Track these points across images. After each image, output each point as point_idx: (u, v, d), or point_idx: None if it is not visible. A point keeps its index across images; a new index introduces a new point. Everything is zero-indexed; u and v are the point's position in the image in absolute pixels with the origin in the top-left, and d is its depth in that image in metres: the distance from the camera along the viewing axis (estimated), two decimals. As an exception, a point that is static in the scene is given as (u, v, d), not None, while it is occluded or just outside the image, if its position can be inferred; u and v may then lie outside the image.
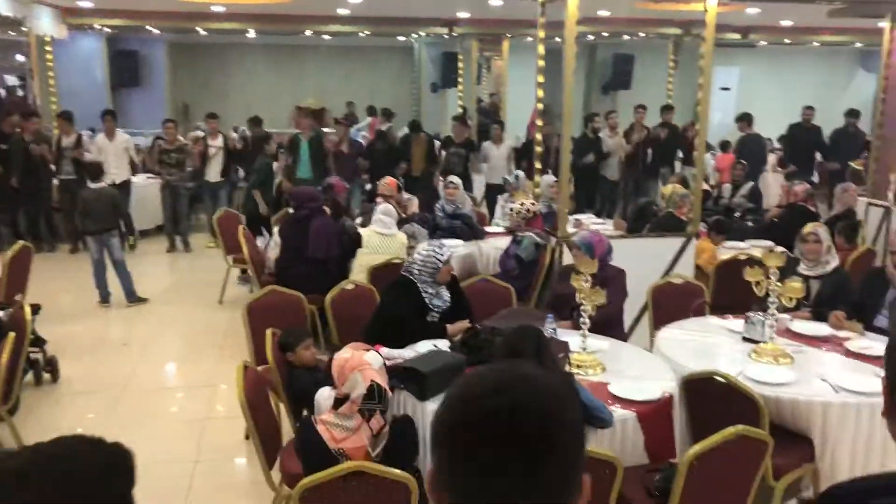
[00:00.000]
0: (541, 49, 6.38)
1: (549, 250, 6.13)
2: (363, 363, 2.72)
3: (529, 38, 12.61)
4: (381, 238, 6.10)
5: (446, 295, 4.58)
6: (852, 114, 11.27)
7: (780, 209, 7.39)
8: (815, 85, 16.39)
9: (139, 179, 10.51)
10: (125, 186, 9.85)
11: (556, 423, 1.03)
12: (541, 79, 6.42)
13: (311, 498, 2.69)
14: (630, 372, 3.90)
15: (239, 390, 3.41)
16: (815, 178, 10.98)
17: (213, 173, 10.11)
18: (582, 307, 3.95)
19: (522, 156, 10.27)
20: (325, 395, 3.04)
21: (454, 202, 7.38)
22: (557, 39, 12.03)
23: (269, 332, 4.06)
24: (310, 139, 9.95)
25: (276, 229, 6.90)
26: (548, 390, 1.05)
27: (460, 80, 12.83)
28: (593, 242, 4.87)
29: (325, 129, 11.59)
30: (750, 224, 7.32)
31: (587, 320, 3.96)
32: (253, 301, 4.87)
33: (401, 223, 6.62)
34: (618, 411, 3.40)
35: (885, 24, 7.66)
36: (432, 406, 2.94)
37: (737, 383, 3.52)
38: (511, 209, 6.30)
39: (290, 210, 6.96)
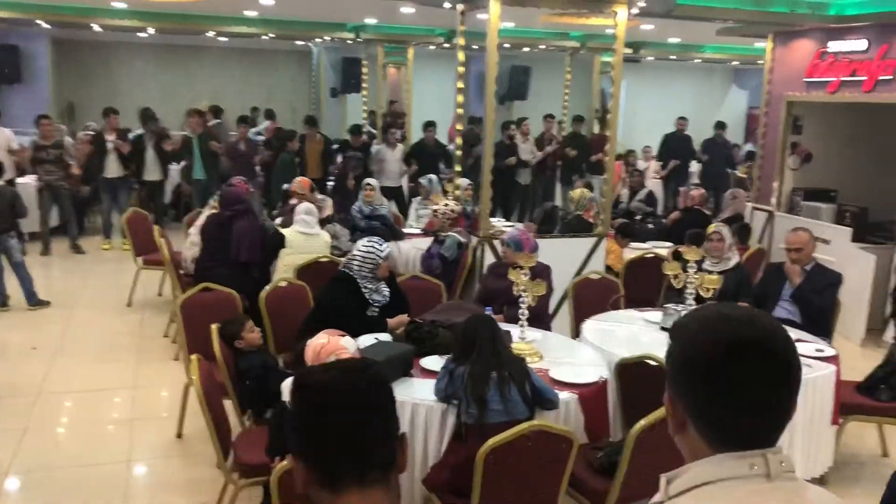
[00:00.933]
0: (461, 56, 6.61)
1: (472, 249, 6.35)
2: (340, 347, 2.83)
3: (432, 47, 12.91)
4: (305, 238, 6.14)
5: (385, 290, 4.71)
6: (719, 125, 12.33)
7: (679, 212, 7.90)
8: (693, 99, 17.45)
9: (24, 179, 10.01)
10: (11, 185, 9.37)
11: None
12: (461, 85, 6.64)
13: (290, 481, 2.76)
14: (565, 359, 4.15)
15: (196, 382, 3.43)
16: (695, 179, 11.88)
17: (112, 169, 9.74)
18: (521, 299, 4.17)
19: (412, 159, 10.49)
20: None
21: (371, 203, 7.50)
22: (474, 48, 12.36)
23: (214, 327, 4.06)
24: (199, 136, 9.90)
25: (192, 228, 6.81)
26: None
27: (364, 85, 12.92)
28: (522, 240, 5.13)
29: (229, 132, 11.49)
30: (650, 226, 7.81)
31: (526, 311, 4.19)
32: (186, 298, 4.83)
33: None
34: (562, 394, 3.63)
35: (766, 44, 8.35)
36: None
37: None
38: (436, 211, 6.48)
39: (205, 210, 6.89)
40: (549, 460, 3.12)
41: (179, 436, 4.81)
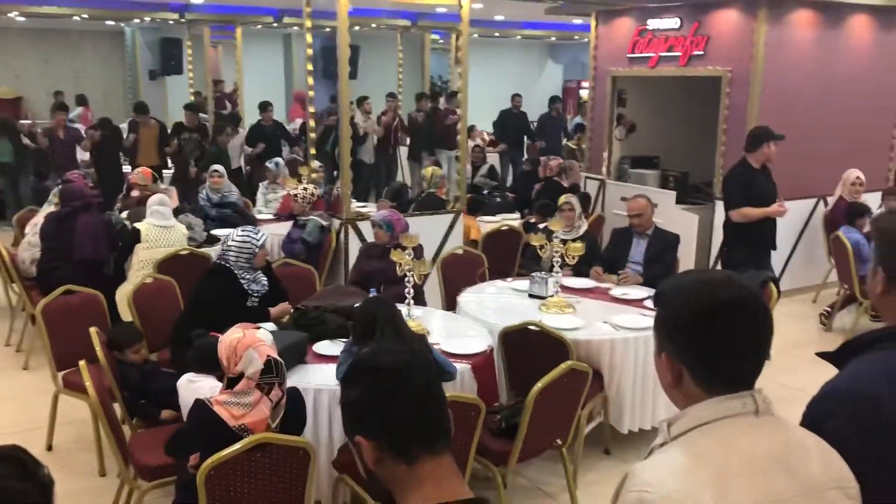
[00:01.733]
0: (309, 38, 6.56)
1: (335, 232, 6.38)
2: (257, 340, 2.82)
3: (259, 26, 12.60)
4: (160, 230, 5.89)
5: (263, 279, 4.66)
6: (555, 100, 12.94)
7: (540, 183, 8.30)
8: (514, 74, 18.18)
9: None
10: None
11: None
12: (310, 67, 6.60)
13: (218, 476, 2.76)
14: (451, 332, 4.34)
15: (89, 385, 3.29)
16: (525, 156, 12.48)
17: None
18: (407, 278, 4.30)
19: (254, 142, 10.28)
20: (207, 388, 3.07)
21: (220, 191, 7.30)
22: (296, 28, 12.08)
23: (93, 330, 3.87)
24: None
25: (28, 228, 6.34)
26: None
27: (189, 67, 12.39)
28: (392, 220, 5.24)
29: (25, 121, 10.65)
30: (498, 200, 8.17)
31: (412, 290, 4.33)
32: (47, 304, 4.53)
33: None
34: (457, 365, 3.81)
35: (591, 22, 8.91)
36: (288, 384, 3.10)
37: (549, 329, 4.11)
38: (296, 195, 6.42)
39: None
40: (460, 428, 3.29)
41: (50, 448, 4.54)
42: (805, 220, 7.80)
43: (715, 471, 1.31)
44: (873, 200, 7.57)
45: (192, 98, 12.15)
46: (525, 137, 12.58)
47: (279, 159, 8.31)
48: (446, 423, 1.39)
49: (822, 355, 1.68)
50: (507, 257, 6.69)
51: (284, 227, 6.70)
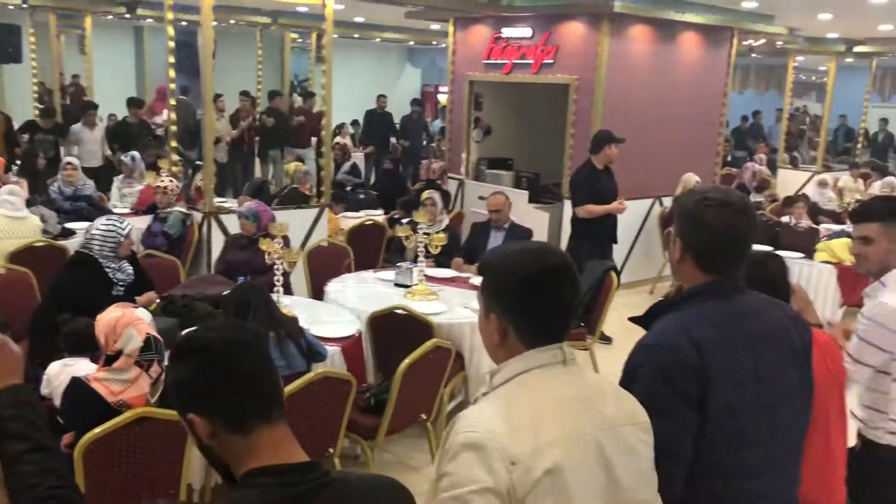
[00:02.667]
0: (171, 31, 6.50)
1: (197, 225, 6.37)
2: (136, 318, 2.89)
3: (111, 17, 12.15)
4: (12, 221, 5.68)
5: (129, 269, 4.65)
6: (415, 102, 13.32)
7: (422, 182, 8.55)
8: (373, 76, 18.43)
9: None
10: None
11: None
12: (171, 59, 6.55)
13: (97, 451, 2.81)
14: (321, 318, 4.51)
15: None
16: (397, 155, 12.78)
17: None
18: (276, 267, 4.43)
19: (116, 137, 9.97)
20: (84, 370, 3.08)
21: (73, 183, 7.08)
22: (150, 21, 11.73)
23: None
24: None
25: None
26: None
27: (32, 56, 11.73)
28: (259, 211, 5.34)
29: None
30: (362, 196, 8.37)
31: (281, 277, 4.47)
32: None
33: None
34: (328, 348, 3.99)
35: (448, 28, 9.28)
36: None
37: (414, 313, 4.37)
38: (165, 188, 6.34)
39: None
40: (333, 402, 3.49)
41: None
42: (643, 218, 8.51)
43: (531, 411, 1.52)
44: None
45: (35, 88, 11.56)
46: (391, 137, 12.89)
47: (135, 153, 8.11)
48: (278, 393, 1.44)
49: (633, 319, 2.00)
50: (372, 251, 6.91)
51: (142, 222, 6.60)
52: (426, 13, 9.13)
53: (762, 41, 10.54)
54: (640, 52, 8.12)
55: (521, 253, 1.66)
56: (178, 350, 1.44)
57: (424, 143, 13.56)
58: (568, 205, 8.05)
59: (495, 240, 6.08)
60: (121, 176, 8.03)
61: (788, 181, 11.95)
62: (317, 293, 5.57)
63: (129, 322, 2.87)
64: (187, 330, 4.04)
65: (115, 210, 7.33)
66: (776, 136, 15.65)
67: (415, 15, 9.30)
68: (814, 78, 19.14)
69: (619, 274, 5.65)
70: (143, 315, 2.94)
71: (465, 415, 1.54)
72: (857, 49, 11.54)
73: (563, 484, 1.47)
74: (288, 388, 3.27)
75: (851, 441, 2.68)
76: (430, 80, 20.36)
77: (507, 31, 8.60)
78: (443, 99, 19.43)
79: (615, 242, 6.47)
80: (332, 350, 4.03)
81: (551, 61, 8.17)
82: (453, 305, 4.90)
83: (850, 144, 14.37)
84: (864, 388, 2.75)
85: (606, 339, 6.34)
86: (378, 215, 7.87)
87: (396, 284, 5.30)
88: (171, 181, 6.36)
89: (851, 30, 10.52)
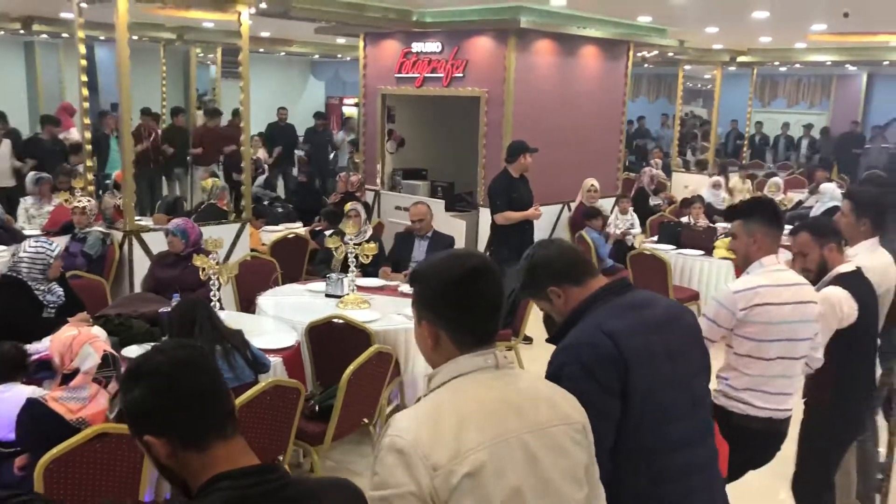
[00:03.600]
0: (82, 49, 6.42)
1: (117, 244, 6.30)
2: (92, 336, 2.94)
3: (1, 32, 11.70)
4: (-79, 248, 5.50)
5: (59, 290, 4.59)
6: (319, 115, 13.46)
7: (340, 194, 8.60)
8: (277, 89, 18.32)
9: None
10: None
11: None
12: (84, 78, 6.47)
13: (58, 469, 2.85)
14: (258, 330, 4.59)
15: None
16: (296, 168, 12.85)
17: None
18: (212, 282, 4.50)
19: (27, 154, 9.63)
20: (27, 393, 3.09)
21: (-22, 207, 6.87)
22: (44, 36, 11.38)
23: None
24: None
25: None
26: None
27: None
28: (187, 228, 5.36)
29: None
30: (280, 210, 8.41)
31: (217, 293, 4.53)
32: None
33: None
34: (271, 359, 4.09)
35: (359, 42, 9.45)
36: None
37: (352, 321, 4.52)
38: (84, 208, 6.23)
39: None
40: (284, 409, 3.60)
41: None
42: (553, 222, 8.89)
43: (458, 416, 1.56)
44: (608, 204, 8.85)
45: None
46: (294, 150, 12.94)
47: (44, 174, 7.91)
48: (232, 409, 1.48)
49: (550, 340, 2.21)
50: (295, 263, 6.98)
51: (58, 243, 6.46)
52: (337, 28, 9.26)
53: (655, 52, 11.17)
54: (545, 65, 8.51)
55: (446, 259, 1.75)
56: (129, 375, 1.45)
57: (331, 155, 13.65)
58: (484, 212, 8.38)
59: (419, 248, 6.29)
60: (29, 198, 7.80)
61: (683, 184, 12.66)
62: (245, 307, 5.63)
63: (85, 340, 2.92)
64: (129, 350, 4.10)
65: (24, 232, 7.15)
66: (664, 140, 16.58)
67: (325, 31, 9.41)
68: (700, 85, 20.27)
69: (539, 276, 5.93)
70: (99, 332, 3.00)
71: (397, 419, 1.60)
72: (740, 59, 12.37)
73: (482, 484, 1.53)
74: (240, 399, 3.37)
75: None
76: (335, 92, 20.40)
77: (417, 46, 8.84)
78: (348, 111, 19.56)
79: (532, 246, 6.77)
80: (274, 361, 4.13)
81: (461, 75, 8.46)
82: (386, 313, 5.07)
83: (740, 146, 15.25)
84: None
85: (527, 340, 6.63)
86: (298, 228, 7.94)
87: (328, 295, 5.42)
88: (88, 201, 6.27)
89: (736, 42, 11.30)
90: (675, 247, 7.51)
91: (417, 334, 1.75)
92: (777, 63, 13.26)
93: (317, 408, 4.09)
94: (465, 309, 1.67)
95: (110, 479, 3.00)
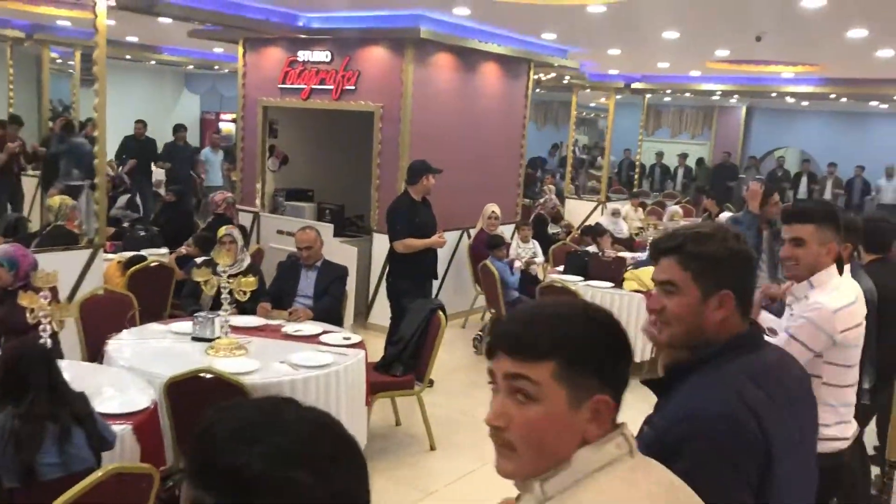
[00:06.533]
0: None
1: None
2: None
3: None
4: None
5: None
6: (179, 128, 12.42)
7: (212, 219, 7.62)
8: (147, 102, 16.96)
9: None
10: None
11: None
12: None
13: None
14: (104, 389, 3.65)
15: None
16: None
17: None
18: (43, 327, 3.53)
19: None
20: None
21: None
22: None
23: None
24: None
25: None
26: None
27: None
28: (17, 256, 4.33)
29: None
30: (143, 234, 7.33)
31: (49, 340, 3.56)
32: None
33: None
34: (115, 427, 3.18)
35: (238, 49, 8.54)
36: None
37: (223, 374, 3.65)
38: None
39: None
40: (131, 502, 2.70)
41: None
42: (453, 250, 8.23)
43: None
44: (508, 231, 8.29)
45: None
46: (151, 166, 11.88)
47: None
48: None
49: (647, 383, 1.64)
50: (157, 298, 5.99)
51: None
52: (212, 32, 8.31)
53: (552, 75, 10.81)
54: (445, 80, 7.89)
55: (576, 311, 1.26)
56: None
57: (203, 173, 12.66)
58: (378, 238, 7.63)
59: (306, 280, 5.46)
60: None
61: (575, 211, 12.37)
62: (94, 355, 4.62)
63: None
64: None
65: None
66: (552, 167, 16.51)
67: (200, 34, 8.44)
68: (584, 113, 20.37)
69: (446, 312, 5.24)
70: None
71: None
72: (634, 85, 12.23)
73: None
74: (70, 493, 2.46)
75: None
76: (211, 107, 19.18)
77: (303, 55, 8.03)
78: (225, 127, 18.36)
79: (435, 278, 6.09)
80: (122, 429, 3.22)
81: (353, 87, 7.70)
82: (267, 360, 4.22)
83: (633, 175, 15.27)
84: None
85: (429, 383, 5.91)
86: (163, 255, 6.92)
87: (195, 338, 4.51)
88: None
89: (635, 66, 11.10)
90: (582, 278, 7.02)
91: (558, 422, 1.17)
92: (669, 91, 13.24)
93: (177, 491, 3.20)
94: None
95: None
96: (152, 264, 6.07)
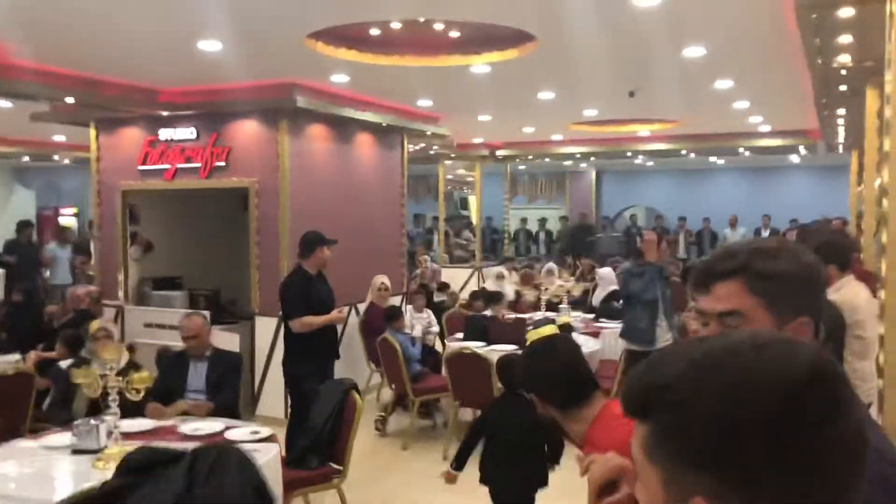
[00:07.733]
0: None
1: None
2: None
3: None
4: None
5: None
6: (25, 225, 11.75)
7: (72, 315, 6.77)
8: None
9: None
10: None
11: None
12: None
13: None
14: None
15: None
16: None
17: None
18: None
19: None
20: None
21: None
22: None
23: None
24: None
25: None
26: None
27: None
28: None
29: None
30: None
31: None
32: None
33: None
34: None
35: (90, 132, 7.86)
36: None
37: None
38: None
39: None
40: None
41: None
42: (342, 326, 7.77)
43: None
44: (396, 303, 7.95)
45: None
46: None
47: None
48: None
49: None
50: (15, 410, 5.16)
51: None
52: (57, 116, 7.62)
53: (420, 146, 10.76)
54: (321, 151, 7.60)
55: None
56: None
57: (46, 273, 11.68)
58: (261, 321, 7.09)
59: (196, 373, 4.85)
60: None
61: (453, 279, 12.25)
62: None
63: None
64: None
65: None
66: (417, 238, 16.51)
67: (42, 118, 7.72)
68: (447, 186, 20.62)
69: (360, 393, 4.80)
70: None
71: None
72: (499, 153, 12.43)
73: None
74: None
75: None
76: (48, 202, 17.75)
77: (164, 133, 7.49)
78: (66, 222, 17.00)
79: (337, 357, 5.64)
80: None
81: (224, 164, 7.23)
82: (169, 467, 3.62)
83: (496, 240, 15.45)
84: None
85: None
86: (14, 361, 6.06)
87: (76, 451, 3.83)
88: None
89: (504, 133, 11.26)
90: (484, 343, 6.78)
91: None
92: (531, 157, 13.54)
93: None
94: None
95: None
96: (9, 373, 5.25)
